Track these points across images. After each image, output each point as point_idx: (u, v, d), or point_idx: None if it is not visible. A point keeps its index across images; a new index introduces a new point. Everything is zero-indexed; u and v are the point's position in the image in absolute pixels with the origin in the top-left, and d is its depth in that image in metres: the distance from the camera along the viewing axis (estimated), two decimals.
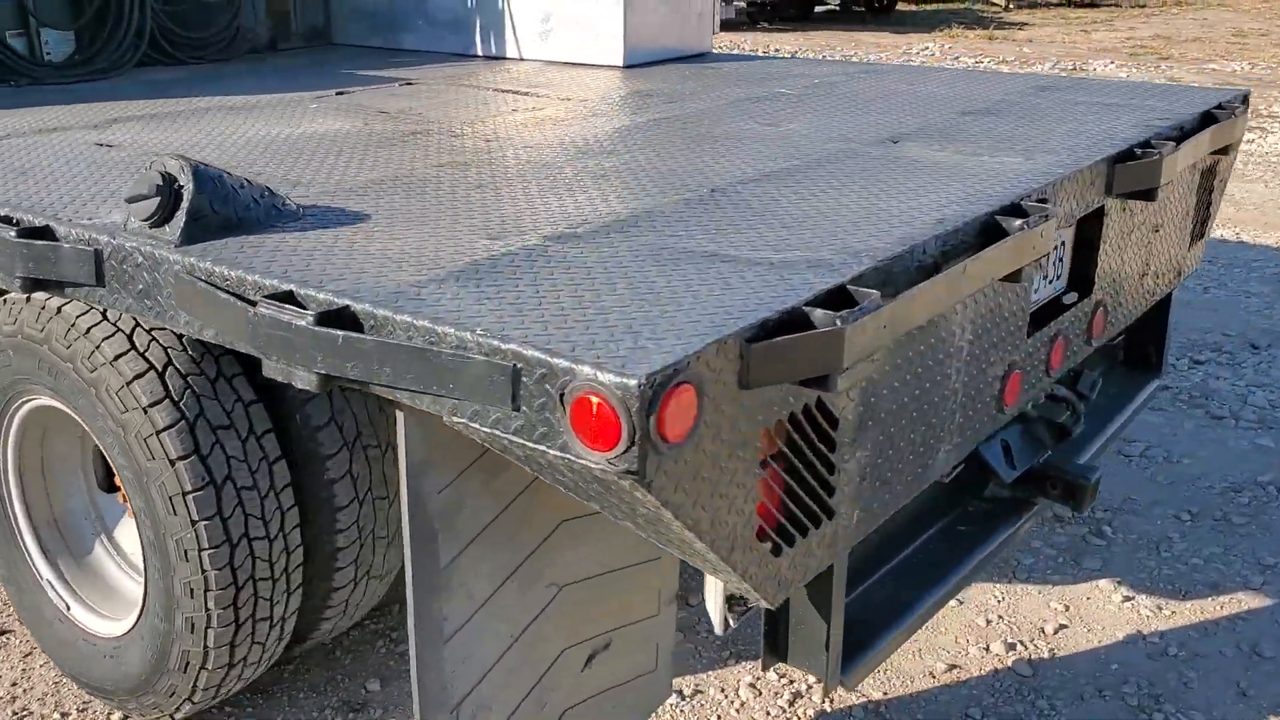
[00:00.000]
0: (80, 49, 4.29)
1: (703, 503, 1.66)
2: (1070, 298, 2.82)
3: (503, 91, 3.85)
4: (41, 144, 2.94)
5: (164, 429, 2.41)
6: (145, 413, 2.42)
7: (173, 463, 2.41)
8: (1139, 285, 3.13)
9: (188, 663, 2.61)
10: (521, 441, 1.61)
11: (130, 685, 2.77)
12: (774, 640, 2.25)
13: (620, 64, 4.43)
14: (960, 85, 3.86)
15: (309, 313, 1.74)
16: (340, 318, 1.74)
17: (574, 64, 4.53)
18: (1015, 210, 2.30)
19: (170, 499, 2.44)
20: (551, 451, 1.58)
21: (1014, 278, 2.26)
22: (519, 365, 1.57)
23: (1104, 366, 3.61)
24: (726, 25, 19.17)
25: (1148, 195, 2.86)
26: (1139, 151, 2.82)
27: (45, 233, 2.20)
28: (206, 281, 1.94)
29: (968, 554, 2.65)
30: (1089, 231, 2.84)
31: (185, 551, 2.47)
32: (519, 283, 1.84)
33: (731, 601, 2.05)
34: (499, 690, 2.20)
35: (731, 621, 2.08)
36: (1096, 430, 3.25)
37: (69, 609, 2.93)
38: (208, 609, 2.51)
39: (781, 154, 2.81)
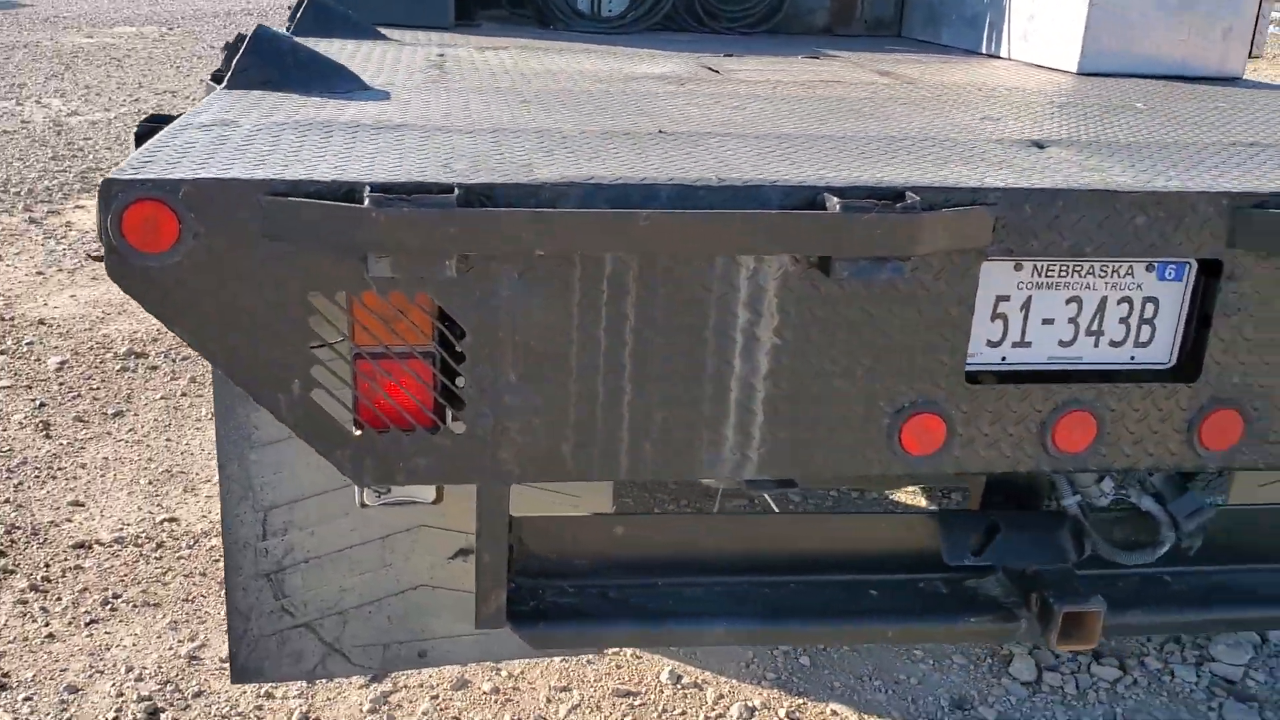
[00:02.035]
0: (630, 9, 5.04)
1: (216, 332, 1.80)
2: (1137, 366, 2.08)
3: (864, 70, 3.73)
4: (408, 50, 3.72)
5: None
6: None
7: None
8: None
9: None
10: None
11: None
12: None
13: (1074, 70, 3.91)
14: None
15: (136, 127, 2.21)
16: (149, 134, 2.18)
17: (1033, 65, 4.11)
18: (894, 196, 1.86)
19: None
20: None
21: (824, 268, 1.85)
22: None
23: None
24: None
25: None
26: None
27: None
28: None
29: (837, 617, 2.16)
30: (1207, 298, 2.05)
31: None
32: (313, 141, 2.07)
33: None
34: (317, 523, 2.45)
35: (369, 499, 2.08)
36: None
37: None
38: None
39: (897, 129, 2.47)
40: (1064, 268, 2.04)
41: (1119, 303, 2.08)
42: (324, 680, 3.00)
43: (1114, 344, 2.11)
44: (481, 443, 1.93)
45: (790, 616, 2.19)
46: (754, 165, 2.01)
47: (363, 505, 2.19)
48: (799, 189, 1.87)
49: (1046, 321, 2.07)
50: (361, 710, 2.97)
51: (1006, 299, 2.05)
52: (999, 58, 4.46)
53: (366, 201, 1.70)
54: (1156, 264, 2.07)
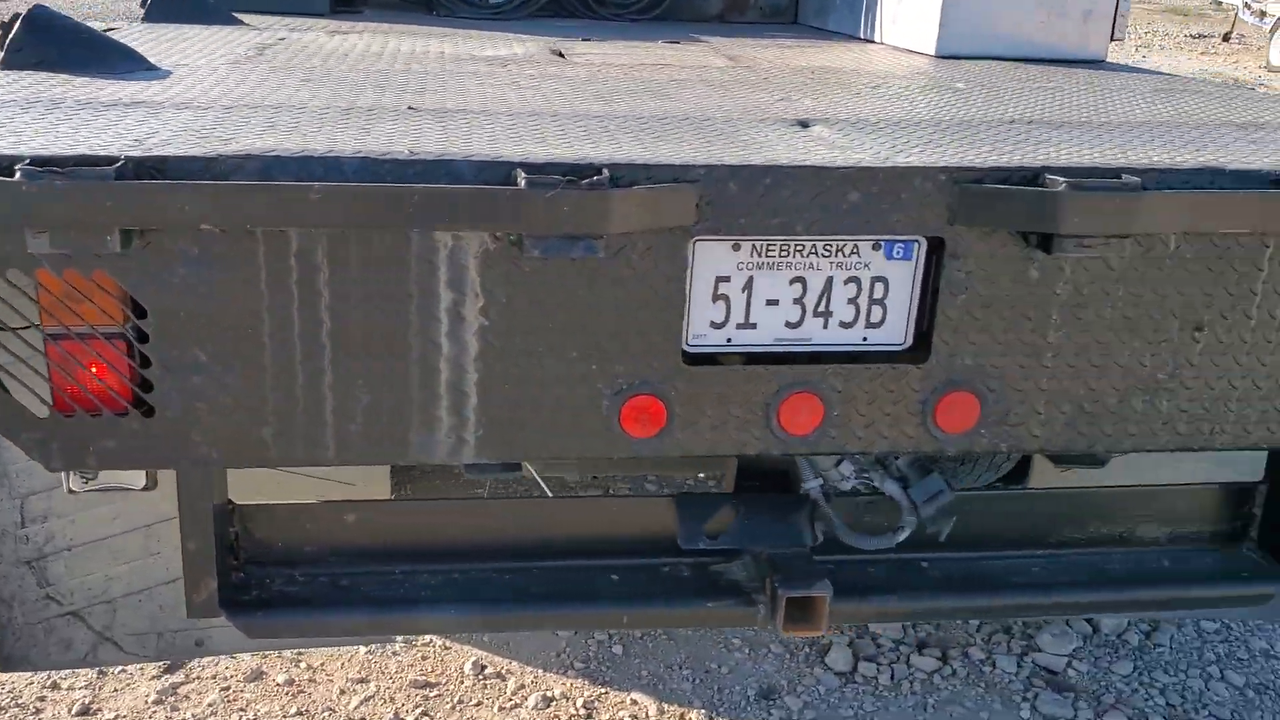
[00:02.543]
0: None
1: None
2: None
3: (714, 54, 3.70)
4: (250, 34, 3.67)
5: None
6: None
7: None
8: (1146, 403, 2.08)
9: None
10: None
11: None
12: None
13: (932, 52, 3.87)
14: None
15: None
16: None
17: (899, 48, 4.07)
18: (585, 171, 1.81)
19: None
20: None
21: (518, 244, 1.81)
22: None
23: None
24: None
25: (1046, 246, 1.93)
26: (1057, 180, 1.91)
27: None
28: None
29: (573, 601, 2.12)
30: (935, 275, 2.01)
31: None
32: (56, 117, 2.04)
33: None
34: (77, 511, 2.40)
35: (75, 484, 2.03)
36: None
37: None
38: None
39: (668, 110, 2.43)
40: (784, 247, 2.00)
41: (846, 283, 2.04)
42: (113, 670, 2.96)
43: (844, 325, 2.07)
44: (173, 426, 1.88)
45: (527, 602, 2.15)
46: (474, 141, 1.97)
47: (70, 491, 2.15)
48: (493, 164, 1.83)
49: (771, 302, 2.03)
50: (147, 701, 2.92)
51: (727, 279, 2.00)
52: (873, 42, 4.42)
53: (18, 175, 1.66)
54: (884, 242, 2.02)
